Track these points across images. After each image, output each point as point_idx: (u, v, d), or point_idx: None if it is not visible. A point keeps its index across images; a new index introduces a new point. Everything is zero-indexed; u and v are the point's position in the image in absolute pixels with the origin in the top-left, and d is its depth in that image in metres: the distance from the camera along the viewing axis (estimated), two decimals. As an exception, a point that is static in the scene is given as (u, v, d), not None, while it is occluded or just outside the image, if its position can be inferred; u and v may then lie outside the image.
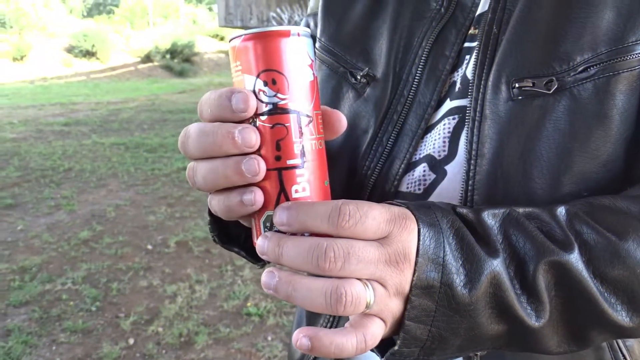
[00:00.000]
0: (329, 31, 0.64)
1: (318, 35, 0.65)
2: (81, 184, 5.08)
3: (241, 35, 0.40)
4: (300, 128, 0.40)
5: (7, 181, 5.13)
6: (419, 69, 0.56)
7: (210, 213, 0.55)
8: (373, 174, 0.56)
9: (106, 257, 3.43)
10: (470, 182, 0.50)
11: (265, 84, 0.39)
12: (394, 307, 0.39)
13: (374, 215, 0.37)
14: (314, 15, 0.68)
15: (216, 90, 0.40)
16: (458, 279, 0.39)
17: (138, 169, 5.64)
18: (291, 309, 2.80)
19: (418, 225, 0.39)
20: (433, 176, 0.54)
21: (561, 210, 0.43)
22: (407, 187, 0.55)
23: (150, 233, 3.85)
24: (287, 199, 0.40)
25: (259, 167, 0.39)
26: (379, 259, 0.37)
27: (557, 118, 0.48)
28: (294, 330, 0.75)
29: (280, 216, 0.38)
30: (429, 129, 0.56)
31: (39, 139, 7.14)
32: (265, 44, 0.39)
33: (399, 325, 0.40)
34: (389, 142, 0.56)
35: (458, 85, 0.55)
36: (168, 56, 19.72)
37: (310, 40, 0.41)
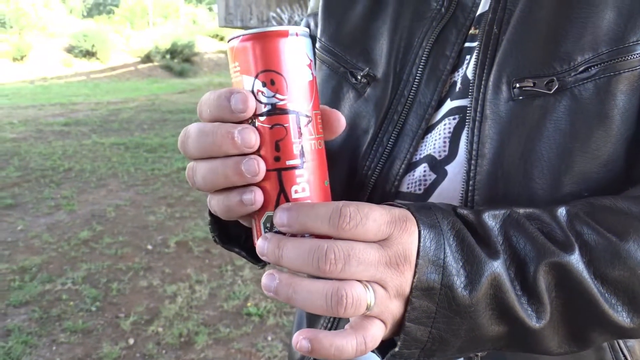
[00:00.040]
0: (329, 31, 0.64)
1: (318, 35, 0.65)
2: (81, 184, 5.08)
3: (239, 36, 0.40)
4: (299, 128, 0.40)
5: (7, 181, 5.13)
6: (420, 69, 0.56)
7: (210, 213, 0.54)
8: (373, 174, 0.56)
9: (106, 257, 3.43)
10: (470, 182, 0.50)
11: (264, 84, 0.39)
12: (394, 308, 0.39)
13: (374, 217, 0.37)
14: (314, 15, 0.68)
15: (215, 91, 0.40)
16: (458, 280, 0.39)
17: (138, 169, 5.64)
18: (291, 309, 2.79)
19: (418, 226, 0.39)
20: (433, 176, 0.54)
21: (562, 211, 0.43)
22: (408, 188, 0.55)
23: (150, 233, 3.85)
24: (287, 200, 0.39)
25: (258, 167, 0.38)
26: (379, 261, 0.37)
27: (557, 118, 0.48)
28: (294, 331, 0.75)
29: (280, 217, 0.38)
30: (429, 129, 0.56)
31: (39, 139, 7.14)
32: (264, 45, 0.39)
33: (399, 327, 0.40)
34: (390, 142, 0.56)
35: (458, 85, 0.55)
36: (168, 56, 19.72)
37: (308, 40, 0.41)
